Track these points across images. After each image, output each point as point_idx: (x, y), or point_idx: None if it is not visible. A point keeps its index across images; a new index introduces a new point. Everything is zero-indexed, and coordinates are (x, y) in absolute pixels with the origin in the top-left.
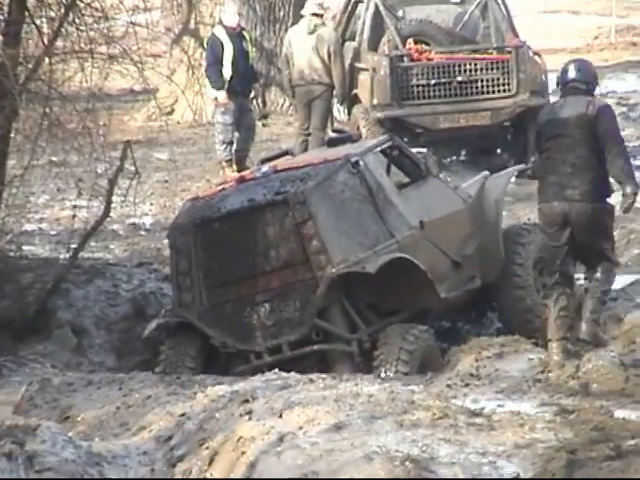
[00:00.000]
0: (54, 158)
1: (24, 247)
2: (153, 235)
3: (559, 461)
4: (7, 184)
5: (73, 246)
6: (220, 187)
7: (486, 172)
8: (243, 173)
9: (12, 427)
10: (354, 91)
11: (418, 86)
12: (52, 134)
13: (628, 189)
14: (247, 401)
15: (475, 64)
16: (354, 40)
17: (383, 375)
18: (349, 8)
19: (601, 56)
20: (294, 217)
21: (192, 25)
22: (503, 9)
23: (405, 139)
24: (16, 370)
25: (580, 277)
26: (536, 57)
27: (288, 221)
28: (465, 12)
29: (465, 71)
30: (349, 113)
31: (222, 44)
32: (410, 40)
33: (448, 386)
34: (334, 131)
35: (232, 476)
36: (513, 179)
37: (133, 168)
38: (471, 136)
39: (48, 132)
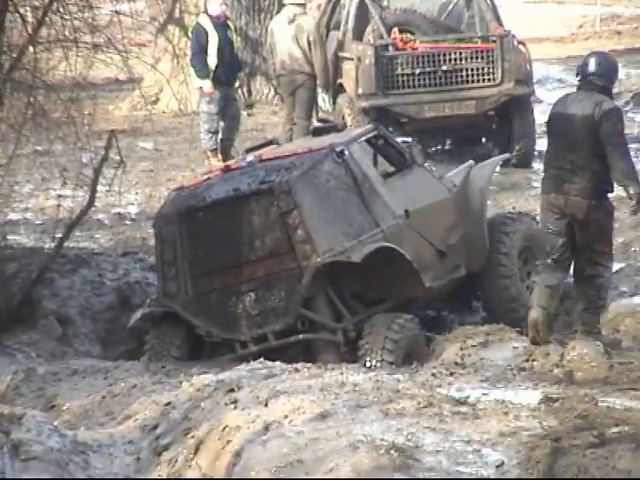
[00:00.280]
0: (39, 147)
1: (9, 237)
2: (138, 224)
3: (543, 449)
4: None
5: (58, 236)
6: (205, 177)
7: (471, 161)
8: (228, 162)
9: None
10: (339, 80)
11: (403, 75)
12: (36, 123)
13: (631, 190)
14: (232, 390)
15: (460, 53)
16: (339, 29)
17: (368, 364)
18: None
19: (586, 45)
20: (279, 206)
21: (177, 14)
22: None
23: (390, 128)
24: (1, 359)
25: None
26: (520, 46)
27: (273, 210)
28: (450, 1)
29: (450, 60)
30: (334, 102)
31: (207, 33)
32: (395, 29)
33: (433, 375)
34: (319, 120)
35: (217, 464)
36: (498, 168)
37: (118, 157)
38: (456, 125)
39: (32, 121)
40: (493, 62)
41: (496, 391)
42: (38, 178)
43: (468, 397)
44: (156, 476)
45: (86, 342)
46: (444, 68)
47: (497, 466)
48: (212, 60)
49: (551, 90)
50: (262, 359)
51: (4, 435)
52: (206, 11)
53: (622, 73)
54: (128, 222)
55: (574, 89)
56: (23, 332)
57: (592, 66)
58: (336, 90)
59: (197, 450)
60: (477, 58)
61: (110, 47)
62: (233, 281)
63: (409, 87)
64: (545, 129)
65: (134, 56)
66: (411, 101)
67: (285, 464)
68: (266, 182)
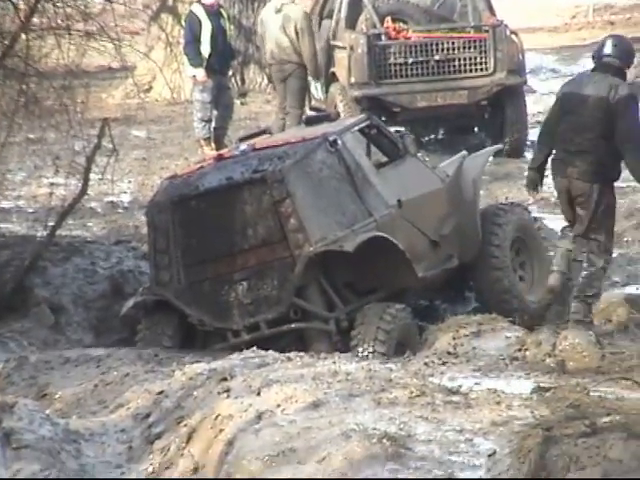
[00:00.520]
0: (31, 135)
1: (1, 224)
2: (131, 213)
3: (535, 438)
4: None
5: (50, 224)
6: (198, 165)
7: (464, 152)
8: (221, 151)
9: None
10: (331, 69)
11: (396, 65)
12: (29, 111)
13: None
14: (225, 379)
15: (452, 43)
16: (331, 18)
17: (361, 355)
18: None
19: (579, 35)
20: (272, 195)
21: (170, 2)
22: None
23: (383, 118)
24: None
25: None
26: (513, 36)
27: (266, 199)
28: None
29: (442, 50)
30: (327, 92)
31: (200, 22)
32: (388, 18)
33: (425, 364)
34: (312, 109)
35: (210, 453)
36: (490, 159)
37: (111, 146)
38: (448, 115)
39: (25, 109)
40: (485, 52)
41: (488, 380)
42: (30, 166)
43: (460, 386)
44: (148, 465)
45: (79, 330)
46: (437, 58)
47: (489, 455)
48: (205, 48)
49: (544, 80)
50: (255, 348)
51: None
52: (199, 0)
53: None
54: (121, 210)
55: (566, 79)
56: (15, 320)
57: (608, 47)
58: (329, 79)
59: (189, 439)
60: (470, 48)
61: (103, 35)
62: (226, 270)
63: (402, 76)
64: (538, 119)
65: (127, 44)
66: (404, 90)
67: (277, 453)
68: (259, 171)
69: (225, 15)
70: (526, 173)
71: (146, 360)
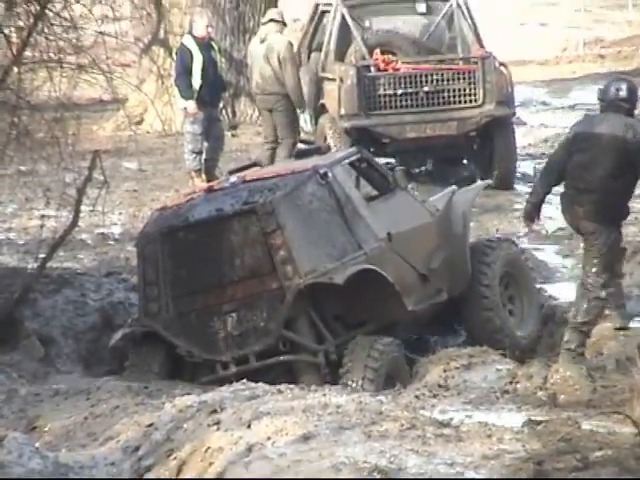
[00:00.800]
0: (22, 167)
1: None
2: (122, 245)
3: (526, 472)
4: None
5: (41, 256)
6: (188, 197)
7: (454, 186)
8: (211, 183)
9: None
10: (321, 101)
11: (385, 96)
12: (20, 143)
13: None
14: (215, 411)
15: (441, 74)
16: (321, 50)
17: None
18: (315, 18)
19: (569, 68)
20: (262, 227)
21: (161, 35)
22: (469, 20)
23: (372, 149)
24: None
25: None
26: (502, 68)
27: (256, 231)
28: (431, 23)
29: (431, 81)
30: (316, 123)
31: (191, 54)
32: (377, 50)
33: (416, 397)
34: (301, 141)
35: None
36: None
37: (102, 178)
38: (437, 146)
39: (16, 141)
40: (474, 83)
41: (479, 413)
42: (22, 198)
43: (451, 419)
44: None
45: (68, 362)
46: (426, 89)
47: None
48: (196, 80)
49: (534, 112)
50: (245, 380)
51: None
52: (190, 31)
53: None
54: (112, 242)
55: (558, 112)
56: (5, 353)
57: (624, 92)
58: (318, 110)
59: (179, 472)
60: (458, 79)
61: (94, 67)
62: (215, 301)
63: (391, 108)
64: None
65: (118, 76)
66: (393, 122)
67: None
68: (249, 202)
69: (216, 47)
70: (522, 205)
71: (136, 392)
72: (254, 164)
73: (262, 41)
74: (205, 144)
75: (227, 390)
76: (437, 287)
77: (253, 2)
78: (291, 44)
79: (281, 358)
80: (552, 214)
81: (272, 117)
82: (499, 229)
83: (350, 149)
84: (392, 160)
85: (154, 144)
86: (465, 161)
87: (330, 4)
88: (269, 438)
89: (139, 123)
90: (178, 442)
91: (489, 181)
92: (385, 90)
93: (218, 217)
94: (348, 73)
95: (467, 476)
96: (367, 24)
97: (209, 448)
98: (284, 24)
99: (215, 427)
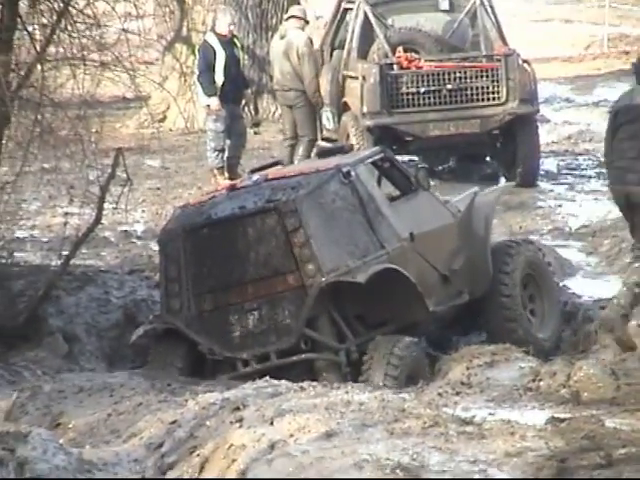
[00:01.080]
0: (46, 165)
1: (15, 254)
2: (145, 242)
3: (550, 470)
4: None
5: (64, 253)
6: (211, 194)
7: (476, 188)
8: (234, 182)
9: (3, 434)
10: (343, 99)
11: (408, 94)
12: (44, 141)
13: None
14: (238, 409)
15: (464, 72)
16: (343, 48)
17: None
18: (338, 16)
19: (594, 65)
20: (285, 225)
21: (184, 32)
22: (492, 17)
23: (395, 147)
24: (7, 377)
25: None
26: (525, 65)
27: (278, 229)
28: (454, 20)
29: (454, 79)
30: (339, 121)
31: (214, 51)
32: (400, 48)
33: (439, 394)
34: (323, 139)
35: None
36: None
37: (125, 175)
38: (460, 144)
39: (40, 139)
40: (498, 81)
41: (502, 411)
42: (45, 195)
43: (474, 417)
44: None
45: (92, 360)
46: (449, 87)
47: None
48: (219, 77)
49: (558, 110)
50: (267, 377)
51: (9, 453)
52: (213, 29)
53: None
54: (134, 240)
55: (582, 109)
56: (29, 350)
57: None
58: (340, 109)
59: (202, 469)
60: (482, 77)
61: (118, 65)
62: (236, 299)
63: (414, 106)
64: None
65: (141, 74)
66: (416, 120)
67: None
68: (272, 201)
69: (239, 44)
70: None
71: (159, 389)
72: (276, 163)
73: (282, 37)
74: (227, 141)
75: (250, 387)
76: (458, 288)
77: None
78: (310, 40)
79: (302, 356)
80: (575, 211)
81: (292, 113)
82: (522, 226)
83: (373, 148)
84: (415, 158)
85: (177, 142)
86: (488, 159)
87: (353, 2)
88: (292, 435)
89: (162, 121)
90: (201, 439)
91: (512, 183)
92: (408, 88)
93: (241, 215)
94: (371, 71)
95: (490, 474)
96: (390, 22)
97: (232, 445)
98: (306, 22)
99: (238, 424)
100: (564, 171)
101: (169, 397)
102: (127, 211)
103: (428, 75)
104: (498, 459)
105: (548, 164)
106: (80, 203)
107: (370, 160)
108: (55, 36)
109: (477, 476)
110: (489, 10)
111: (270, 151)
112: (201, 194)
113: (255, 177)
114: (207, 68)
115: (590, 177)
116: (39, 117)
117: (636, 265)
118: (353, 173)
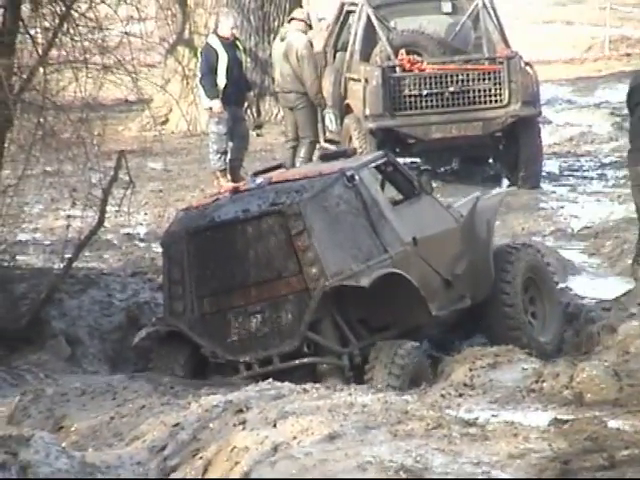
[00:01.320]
0: (48, 168)
1: (18, 257)
2: (147, 245)
3: (553, 471)
4: (1, 194)
5: (67, 256)
6: (214, 197)
7: (478, 192)
8: (237, 184)
9: (6, 437)
10: (346, 101)
11: (410, 96)
12: (46, 144)
13: None
14: (241, 411)
15: (467, 75)
16: (346, 50)
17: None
18: (341, 18)
19: (595, 67)
20: (288, 228)
21: (186, 35)
22: (495, 19)
23: (397, 149)
24: (9, 380)
25: None
26: (527, 67)
27: (282, 232)
28: (457, 23)
29: (457, 82)
30: (341, 123)
31: (216, 53)
32: (402, 51)
33: (442, 396)
34: (326, 141)
35: None
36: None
37: (127, 178)
38: (463, 146)
39: (42, 142)
40: (500, 83)
41: (505, 412)
42: (47, 198)
43: (477, 418)
44: None
45: (95, 362)
46: (451, 89)
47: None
48: (221, 80)
49: (560, 111)
50: (270, 380)
51: (12, 456)
52: (215, 31)
53: None
54: (137, 242)
55: (583, 110)
56: (32, 352)
57: None
58: (343, 111)
59: (205, 471)
60: (484, 79)
61: (120, 68)
62: (239, 302)
63: (416, 108)
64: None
65: (144, 77)
66: (418, 122)
67: None
68: (276, 204)
69: (241, 47)
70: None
71: (162, 392)
72: (279, 166)
73: (282, 39)
74: (230, 144)
75: (253, 389)
76: (460, 293)
77: (278, 2)
78: (310, 43)
79: (305, 360)
80: (577, 213)
81: (293, 115)
82: (524, 228)
83: (377, 152)
84: (418, 160)
85: (179, 144)
86: (491, 161)
87: (355, 4)
88: (295, 437)
89: (164, 123)
90: (204, 442)
91: (514, 187)
92: (410, 90)
93: (244, 218)
94: (373, 74)
95: (493, 475)
96: (392, 24)
97: (235, 447)
98: (310, 26)
99: (241, 427)
100: (566, 172)
101: (172, 400)
102: (130, 214)
103: (430, 77)
104: (501, 461)
105: (550, 166)
106: (82, 206)
107: (374, 164)
108: (57, 39)
109: (480, 477)
110: (491, 12)
111: (272, 153)
112: (204, 197)
113: (259, 180)
114: (209, 71)
115: (592, 178)
116: (41, 120)
117: None
118: (357, 177)
